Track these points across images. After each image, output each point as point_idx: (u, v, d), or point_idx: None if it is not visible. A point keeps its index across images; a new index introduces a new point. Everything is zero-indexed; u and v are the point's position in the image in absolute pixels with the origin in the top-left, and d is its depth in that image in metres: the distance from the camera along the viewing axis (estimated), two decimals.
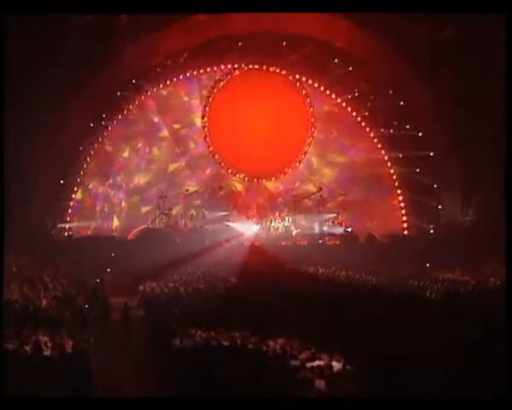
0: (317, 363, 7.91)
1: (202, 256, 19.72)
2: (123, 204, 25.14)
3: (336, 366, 7.80)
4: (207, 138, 25.00)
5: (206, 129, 24.93)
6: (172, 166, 25.41)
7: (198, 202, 24.78)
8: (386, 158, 25.34)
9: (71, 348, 8.48)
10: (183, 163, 25.35)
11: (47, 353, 8.32)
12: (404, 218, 25.19)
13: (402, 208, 25.22)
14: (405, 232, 25.06)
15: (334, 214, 24.42)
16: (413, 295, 13.96)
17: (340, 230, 23.59)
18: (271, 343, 8.99)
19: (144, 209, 25.02)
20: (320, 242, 22.84)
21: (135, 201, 25.16)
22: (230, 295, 13.61)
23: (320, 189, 24.75)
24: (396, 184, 25.36)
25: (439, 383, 6.47)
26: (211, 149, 24.99)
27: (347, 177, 25.48)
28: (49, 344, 8.55)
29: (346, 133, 25.50)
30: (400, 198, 25.28)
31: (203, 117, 25.00)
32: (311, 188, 25.78)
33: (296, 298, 13.06)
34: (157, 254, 18.58)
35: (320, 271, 18.10)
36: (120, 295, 15.07)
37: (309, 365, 7.82)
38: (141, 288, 15.17)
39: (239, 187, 25.55)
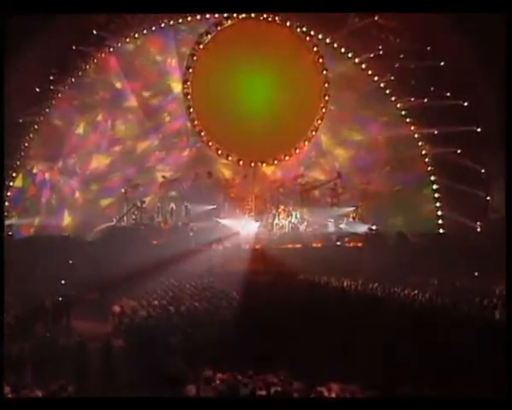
0: None
1: (188, 263, 18.93)
2: (77, 195, 24.40)
3: None
4: (191, 110, 24.17)
5: (189, 97, 24.08)
6: (142, 146, 24.71)
7: (178, 192, 24.17)
8: (416, 136, 24.79)
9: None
10: (156, 142, 24.67)
11: None
12: (440, 212, 24.74)
13: (437, 200, 24.78)
14: (440, 230, 24.66)
15: (353, 208, 23.93)
16: (481, 318, 13.25)
17: (362, 228, 23.02)
18: (324, 390, 8.18)
19: (105, 202, 24.30)
20: (338, 244, 22.25)
21: (92, 190, 24.40)
22: (241, 318, 12.65)
23: (339, 175, 24.14)
24: (429, 168, 24.87)
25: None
26: (195, 123, 24.20)
27: (366, 160, 25.00)
28: (11, 396, 7.65)
29: (366, 103, 24.83)
30: (435, 187, 24.79)
31: (185, 82, 24.10)
32: (319, 174, 25.29)
33: (327, 322, 12.31)
34: (129, 261, 17.79)
35: (345, 283, 17.24)
36: (85, 317, 14.20)
37: None
38: (116, 308, 14.14)
39: (231, 173, 24.98)
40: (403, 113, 24.79)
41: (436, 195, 24.82)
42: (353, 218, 23.73)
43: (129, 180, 23.64)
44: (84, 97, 24.05)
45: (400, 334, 11.24)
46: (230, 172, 25.02)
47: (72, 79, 23.68)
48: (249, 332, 11.60)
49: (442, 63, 23.13)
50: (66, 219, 24.14)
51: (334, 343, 10.91)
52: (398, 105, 24.70)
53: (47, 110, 23.68)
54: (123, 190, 23.48)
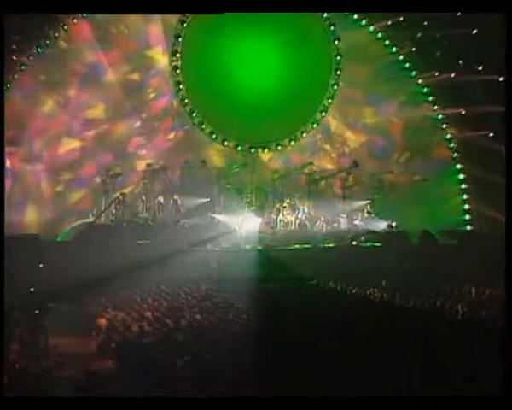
0: None
1: (181, 267, 18.63)
2: (43, 185, 23.78)
3: None
4: (181, 86, 23.82)
5: (178, 72, 23.72)
6: (121, 129, 24.25)
7: (166, 183, 23.60)
8: (440, 117, 24.79)
9: None
10: (138, 124, 24.24)
11: None
12: (467, 206, 24.78)
13: (463, 192, 24.81)
14: (468, 227, 24.54)
15: (367, 201, 23.71)
16: None
17: (379, 225, 22.81)
18: None
19: (77, 194, 23.73)
20: (353, 243, 21.94)
21: (62, 181, 23.82)
22: (254, 333, 12.30)
23: (355, 164, 23.85)
24: (455, 155, 24.92)
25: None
26: (186, 102, 23.91)
27: (382, 145, 25.00)
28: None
29: (381, 79, 24.62)
30: (461, 176, 24.80)
31: (174, 53, 23.77)
32: (325, 162, 25.15)
33: (354, 336, 11.94)
34: (111, 265, 17.49)
35: (368, 291, 16.74)
36: (62, 333, 13.54)
37: None
38: (101, 322, 13.59)
39: (228, 161, 24.64)
40: (425, 90, 24.68)
41: (463, 186, 24.83)
42: (368, 213, 23.47)
43: (106, 169, 23.02)
44: (52, 71, 23.41)
45: (439, 352, 10.95)
46: (226, 159, 24.70)
47: (39, 49, 23.04)
48: (266, 350, 11.23)
49: (474, 31, 22.74)
50: (31, 215, 23.43)
51: (364, 360, 10.61)
52: (420, 81, 24.59)
53: (8, 85, 22.78)
54: (99, 181, 23.01)
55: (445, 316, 14.68)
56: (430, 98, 24.75)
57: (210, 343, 11.64)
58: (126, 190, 23.09)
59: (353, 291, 17.04)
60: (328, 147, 25.52)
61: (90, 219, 22.13)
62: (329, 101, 24.46)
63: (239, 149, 24.34)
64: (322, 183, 24.32)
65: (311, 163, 24.25)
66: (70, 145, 23.82)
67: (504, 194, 22.73)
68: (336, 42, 24.17)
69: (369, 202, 23.66)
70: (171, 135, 24.67)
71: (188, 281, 17.94)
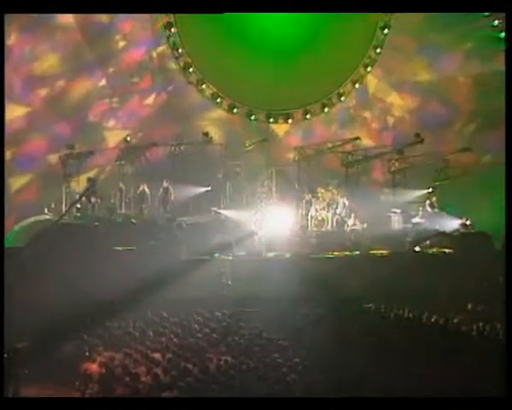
0: None
1: (180, 284, 18.57)
2: None
3: None
4: (173, 30, 23.81)
5: (171, 17, 23.55)
6: (81, 89, 24.09)
7: (151, 166, 23.52)
8: None
9: None
10: (104, 82, 24.14)
11: None
12: None
13: None
14: None
15: (428, 191, 23.52)
16: None
17: (449, 223, 22.58)
18: None
19: (21, 179, 23.56)
20: (416, 249, 21.70)
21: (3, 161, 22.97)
22: (311, 383, 11.84)
23: (419, 138, 23.57)
24: None
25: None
26: (180, 52, 23.88)
27: (439, 113, 24.95)
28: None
29: (441, 20, 24.20)
30: None
31: None
32: (364, 137, 24.87)
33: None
34: (83, 283, 17.71)
35: (455, 319, 16.23)
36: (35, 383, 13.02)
37: None
38: (91, 368, 12.97)
39: (237, 135, 24.58)
40: (502, 35, 24.02)
41: None
42: (431, 206, 23.26)
43: (67, 145, 22.78)
44: None
45: None
46: (235, 132, 24.70)
47: None
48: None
49: None
50: None
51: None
52: (496, 22, 24.32)
53: None
54: (58, 161, 22.87)
55: None
56: None
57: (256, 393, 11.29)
58: (96, 175, 22.97)
59: (433, 320, 16.58)
60: (366, 115, 25.51)
61: (48, 216, 21.75)
62: (377, 50, 24.41)
63: (253, 118, 24.39)
64: (365, 165, 24.33)
65: (356, 138, 24.15)
66: (12, 111, 23.09)
67: None
68: None
69: (430, 191, 23.48)
70: (151, 98, 24.63)
71: (193, 304, 17.75)
